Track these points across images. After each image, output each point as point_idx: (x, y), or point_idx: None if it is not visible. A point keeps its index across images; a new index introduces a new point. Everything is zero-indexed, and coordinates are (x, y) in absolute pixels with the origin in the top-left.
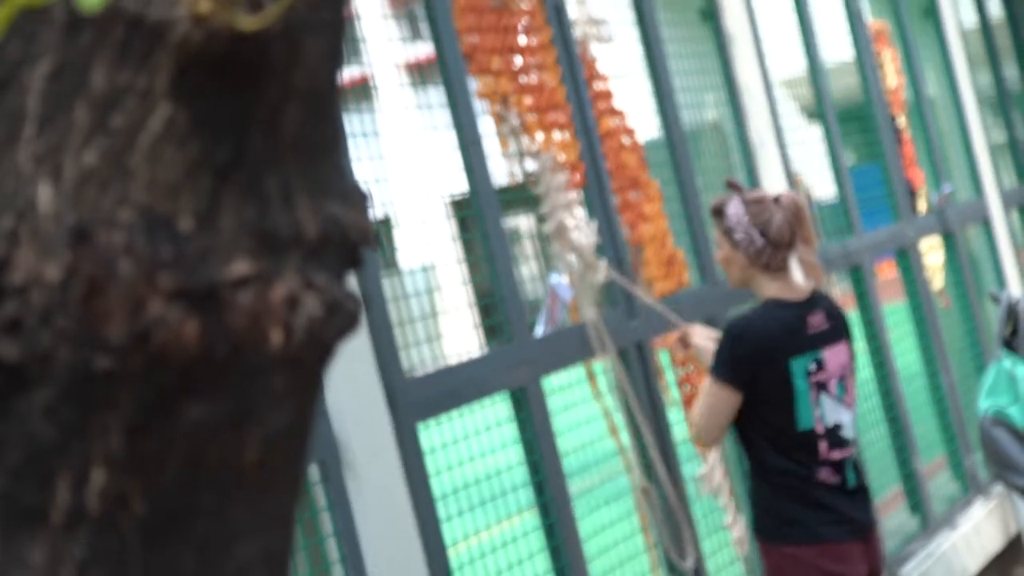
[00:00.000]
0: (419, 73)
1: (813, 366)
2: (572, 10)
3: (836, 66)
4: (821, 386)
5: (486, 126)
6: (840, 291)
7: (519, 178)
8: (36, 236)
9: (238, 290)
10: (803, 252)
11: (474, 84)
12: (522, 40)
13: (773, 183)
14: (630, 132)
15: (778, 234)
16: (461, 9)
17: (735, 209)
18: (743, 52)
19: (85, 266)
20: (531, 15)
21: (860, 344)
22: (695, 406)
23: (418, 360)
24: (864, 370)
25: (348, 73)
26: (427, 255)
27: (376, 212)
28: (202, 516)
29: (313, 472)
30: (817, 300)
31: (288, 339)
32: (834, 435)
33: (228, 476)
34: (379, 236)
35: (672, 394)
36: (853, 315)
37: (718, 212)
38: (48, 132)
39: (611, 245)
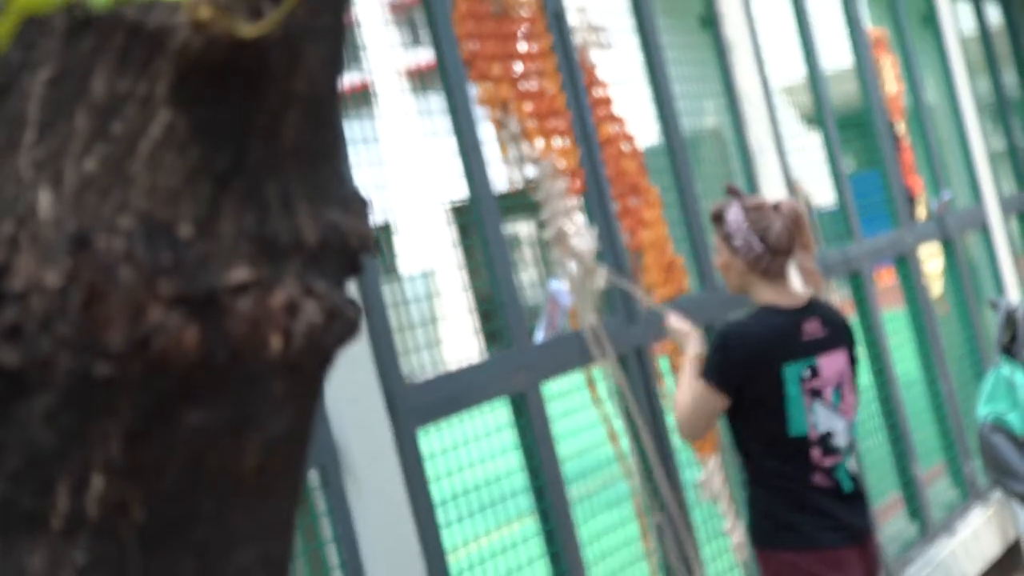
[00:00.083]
0: (419, 79)
1: (807, 373)
2: (572, 17)
3: (836, 73)
4: (815, 393)
5: (486, 132)
6: (839, 297)
7: (519, 184)
8: (36, 242)
9: (238, 296)
10: (802, 259)
11: (474, 90)
12: (522, 47)
13: (772, 190)
14: (630, 138)
15: (777, 241)
16: (461, 16)
17: (735, 215)
18: (743, 59)
19: (85, 272)
20: (531, 22)
21: (859, 351)
22: (678, 397)
23: (418, 366)
24: (863, 377)
25: (348, 79)
26: (427, 261)
27: (376, 218)
28: (202, 522)
29: (313, 477)
30: (814, 307)
31: (288, 345)
32: (825, 442)
33: (228, 482)
34: (379, 242)
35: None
36: (852, 322)
37: (718, 218)
38: (48, 138)
39: (611, 251)
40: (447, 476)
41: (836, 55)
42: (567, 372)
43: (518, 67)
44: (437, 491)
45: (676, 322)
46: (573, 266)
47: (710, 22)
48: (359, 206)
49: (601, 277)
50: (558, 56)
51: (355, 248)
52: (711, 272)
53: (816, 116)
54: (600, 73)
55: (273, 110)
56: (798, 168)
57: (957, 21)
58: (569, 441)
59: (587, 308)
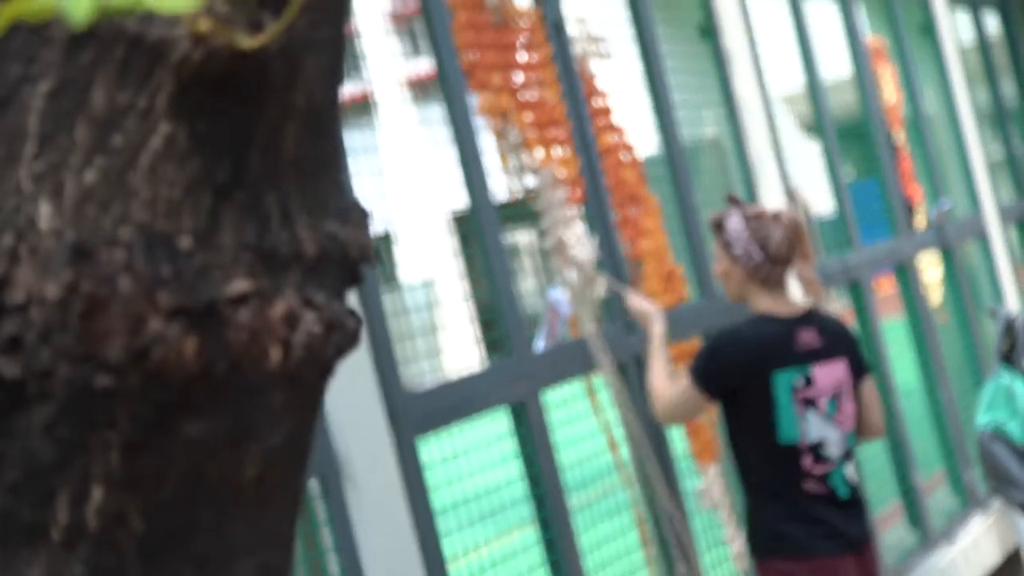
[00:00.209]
0: (420, 89)
1: (800, 382)
2: (572, 27)
3: (835, 83)
4: (809, 402)
5: (486, 142)
6: (840, 306)
7: (519, 194)
8: (36, 254)
9: (237, 308)
10: (802, 268)
11: (474, 100)
12: (522, 57)
13: (772, 199)
14: (629, 148)
15: (777, 250)
16: (461, 26)
17: (735, 224)
18: (742, 69)
19: (85, 284)
20: (531, 32)
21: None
22: (655, 383)
23: (418, 375)
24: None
25: (349, 89)
26: (427, 270)
27: (376, 228)
28: (201, 533)
29: (313, 486)
30: (812, 317)
31: (287, 356)
32: (817, 451)
33: (227, 493)
34: (379, 252)
35: None
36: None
37: (718, 226)
38: (49, 151)
39: (611, 260)
40: (447, 485)
41: (835, 65)
42: (567, 381)
43: (518, 77)
44: (437, 500)
45: (638, 302)
46: (573, 275)
47: (709, 32)
48: (359, 217)
49: (601, 286)
50: (558, 66)
51: (355, 259)
52: (711, 281)
53: (815, 125)
54: (600, 83)
55: (273, 122)
56: (797, 177)
57: (956, 31)
58: (569, 450)
59: (587, 317)
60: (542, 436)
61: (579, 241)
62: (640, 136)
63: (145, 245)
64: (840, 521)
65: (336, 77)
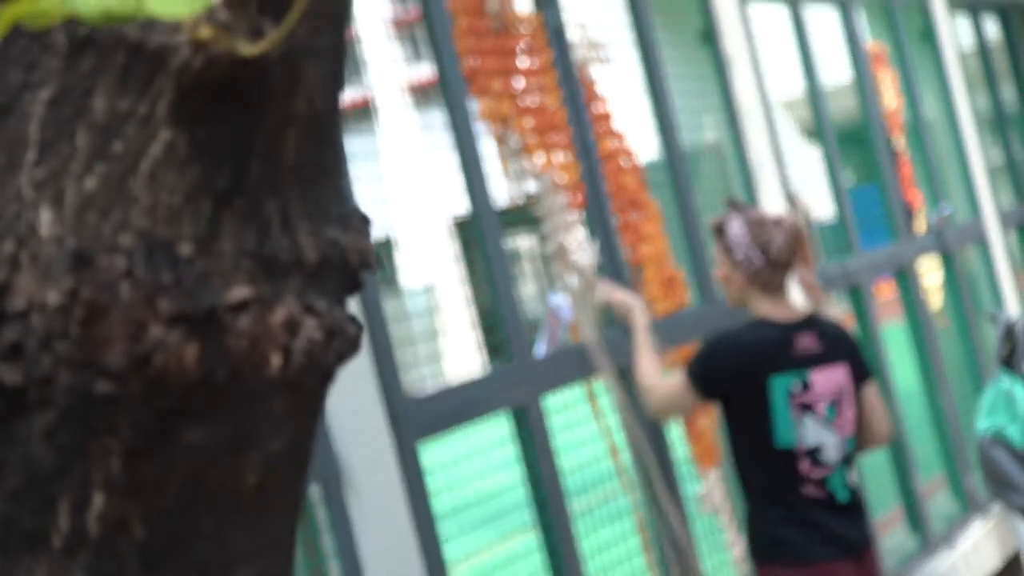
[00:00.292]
0: (421, 95)
1: (798, 387)
2: (572, 33)
3: (835, 88)
4: (806, 407)
5: (487, 147)
6: (840, 311)
7: (520, 199)
8: (37, 261)
9: (238, 314)
10: (803, 274)
11: (475, 105)
12: (523, 62)
13: (772, 204)
14: (630, 153)
15: (778, 255)
16: (462, 31)
17: (737, 228)
18: (742, 74)
19: (86, 291)
20: (531, 38)
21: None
22: (648, 379)
23: (419, 379)
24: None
25: (350, 95)
26: (428, 275)
27: (377, 233)
28: (202, 540)
29: (314, 491)
30: (812, 322)
31: (288, 363)
32: (813, 456)
33: (227, 500)
34: (380, 258)
35: None
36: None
37: (719, 230)
38: (49, 158)
39: (611, 265)
40: (448, 490)
41: (835, 70)
42: (568, 385)
43: (519, 83)
44: (438, 505)
45: (615, 294)
46: (574, 280)
47: (710, 37)
48: (360, 223)
49: (602, 291)
50: (558, 72)
51: (355, 265)
52: (711, 286)
53: (816, 130)
54: (600, 88)
55: (273, 129)
56: (797, 182)
57: (956, 36)
58: (570, 454)
59: (588, 322)
60: (543, 441)
61: (580, 246)
62: (641, 141)
63: (145, 252)
64: (839, 525)
65: (337, 83)
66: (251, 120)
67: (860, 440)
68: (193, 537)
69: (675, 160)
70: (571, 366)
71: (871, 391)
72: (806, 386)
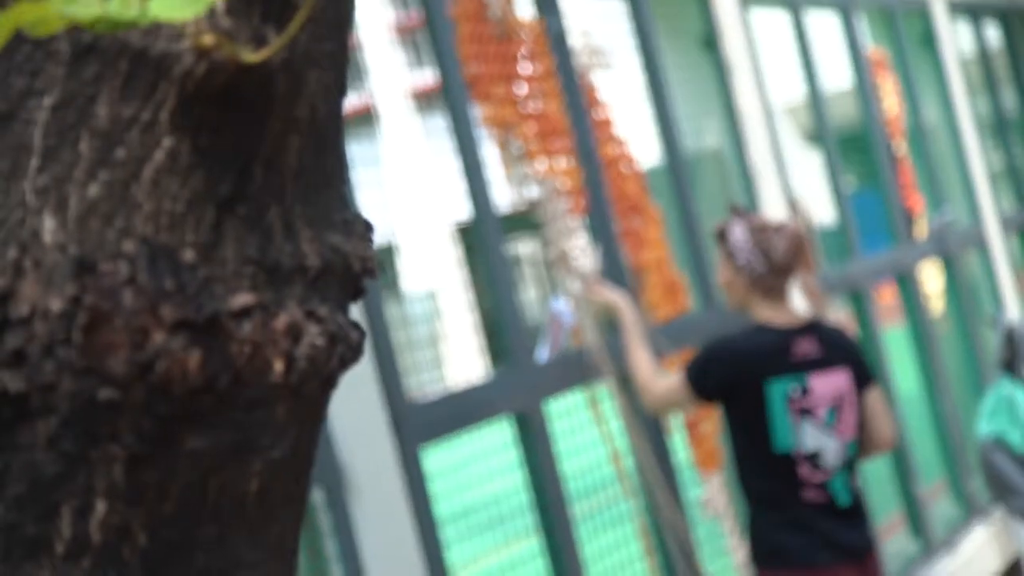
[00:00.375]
0: (423, 100)
1: (797, 392)
2: (573, 39)
3: (836, 93)
4: (805, 412)
5: (489, 153)
6: (844, 315)
7: (522, 205)
8: (40, 268)
9: (240, 321)
10: (805, 279)
11: (477, 112)
12: (525, 68)
13: (773, 209)
14: (631, 159)
15: (780, 261)
16: (464, 38)
17: (739, 234)
18: (743, 80)
19: (89, 297)
20: (533, 44)
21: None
22: (643, 377)
23: (422, 384)
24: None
25: (352, 101)
26: (431, 280)
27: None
28: (204, 546)
29: (317, 496)
30: (812, 327)
31: (290, 369)
32: (813, 461)
33: (230, 506)
34: (382, 263)
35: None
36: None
37: (721, 235)
38: (53, 164)
39: (613, 271)
40: (451, 495)
41: (836, 75)
42: (570, 390)
43: (521, 89)
44: (441, 510)
45: (602, 292)
46: (576, 286)
47: (711, 43)
48: (363, 230)
49: (589, 290)
50: (560, 77)
51: (358, 272)
52: (713, 291)
53: (817, 136)
54: (602, 94)
55: (276, 136)
56: (799, 188)
57: (957, 42)
58: (573, 459)
59: (590, 327)
60: (545, 446)
61: (581, 252)
62: (642, 147)
63: (148, 258)
64: (840, 530)
65: (340, 90)
66: (254, 127)
67: (864, 445)
68: (195, 544)
69: (676, 166)
70: (573, 371)
71: (874, 396)
72: (805, 391)
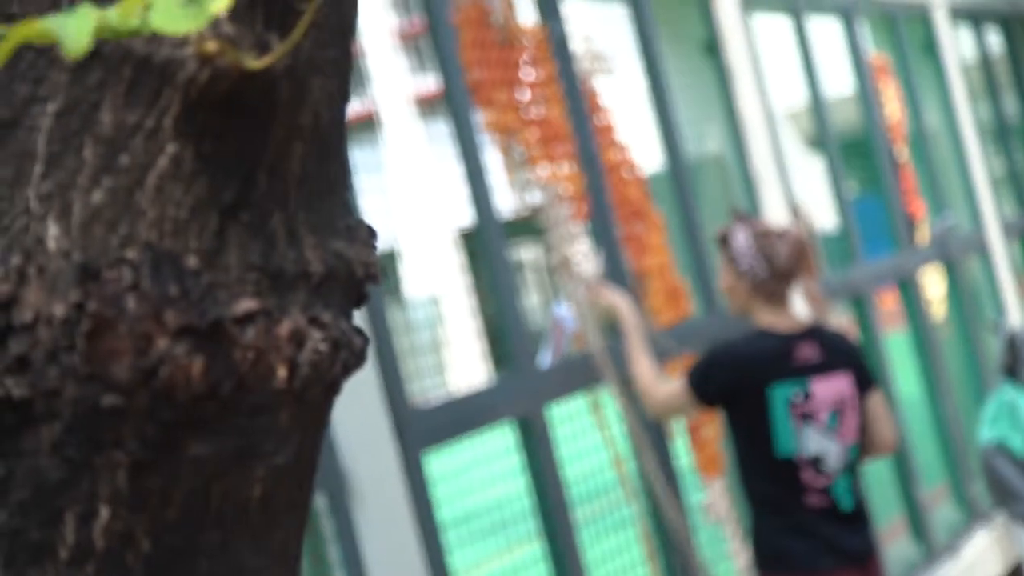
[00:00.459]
0: (426, 106)
1: (799, 396)
2: (576, 44)
3: (838, 99)
4: (807, 417)
5: (492, 159)
6: (846, 320)
7: (525, 210)
8: (44, 274)
9: (244, 327)
10: (807, 285)
11: (480, 117)
12: (527, 74)
13: (775, 215)
14: (633, 164)
15: (783, 267)
16: (467, 44)
17: (742, 239)
18: (745, 85)
19: (92, 304)
20: (535, 50)
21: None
22: (645, 383)
23: (424, 390)
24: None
25: (355, 107)
26: (433, 286)
27: (382, 244)
28: (207, 552)
29: (320, 502)
30: (813, 332)
31: (293, 375)
32: (816, 465)
33: (233, 512)
34: (385, 269)
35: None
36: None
37: (724, 241)
38: (57, 171)
39: (615, 276)
40: (453, 499)
41: (838, 81)
42: (573, 395)
43: (523, 94)
44: (443, 514)
45: (604, 294)
46: (578, 291)
47: (713, 48)
48: (366, 236)
49: (592, 292)
50: (562, 83)
51: (361, 278)
52: (715, 296)
53: (818, 141)
54: (604, 100)
55: (279, 142)
56: (800, 193)
57: (958, 47)
58: (575, 464)
59: (592, 332)
60: (547, 451)
61: (584, 257)
62: (644, 152)
63: (152, 265)
64: (843, 535)
65: (343, 97)
66: (257, 134)
67: (865, 449)
68: (199, 550)
69: (679, 171)
70: (576, 376)
71: (875, 400)
72: (807, 395)
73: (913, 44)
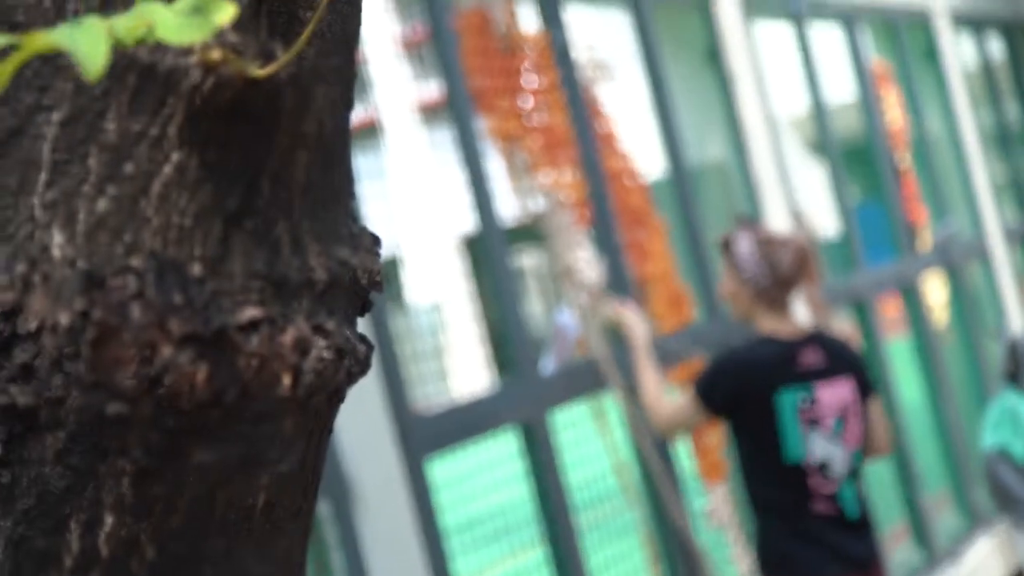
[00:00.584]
0: (428, 113)
1: (805, 402)
2: (578, 52)
3: (839, 106)
4: (813, 422)
5: (494, 166)
6: (847, 326)
7: (527, 217)
8: (49, 282)
9: (248, 335)
10: (810, 292)
11: (482, 124)
12: (529, 81)
13: (777, 221)
14: (635, 171)
15: (786, 273)
16: (469, 51)
17: (745, 246)
18: (747, 92)
19: (97, 312)
20: (538, 57)
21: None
22: (650, 394)
23: (427, 396)
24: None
25: (358, 114)
26: (436, 293)
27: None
28: (211, 560)
29: (324, 509)
30: (816, 338)
31: (297, 383)
32: (822, 471)
33: (237, 520)
34: (387, 275)
35: None
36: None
37: (727, 246)
38: (61, 179)
39: (617, 283)
40: (456, 506)
41: (840, 88)
42: (576, 401)
43: (525, 101)
44: (447, 521)
45: (617, 309)
46: (581, 298)
47: (714, 55)
48: (369, 243)
49: (609, 308)
50: (565, 90)
51: (365, 285)
52: (717, 303)
53: (820, 148)
54: (606, 107)
55: (284, 150)
56: (802, 200)
57: (960, 54)
58: (578, 470)
59: (595, 338)
60: (550, 457)
61: (586, 264)
62: (646, 159)
63: (156, 273)
64: (848, 542)
65: (347, 105)
66: (261, 142)
67: (864, 453)
68: (203, 557)
69: (680, 178)
70: (578, 382)
71: (875, 406)
72: (813, 401)
73: (914, 51)
